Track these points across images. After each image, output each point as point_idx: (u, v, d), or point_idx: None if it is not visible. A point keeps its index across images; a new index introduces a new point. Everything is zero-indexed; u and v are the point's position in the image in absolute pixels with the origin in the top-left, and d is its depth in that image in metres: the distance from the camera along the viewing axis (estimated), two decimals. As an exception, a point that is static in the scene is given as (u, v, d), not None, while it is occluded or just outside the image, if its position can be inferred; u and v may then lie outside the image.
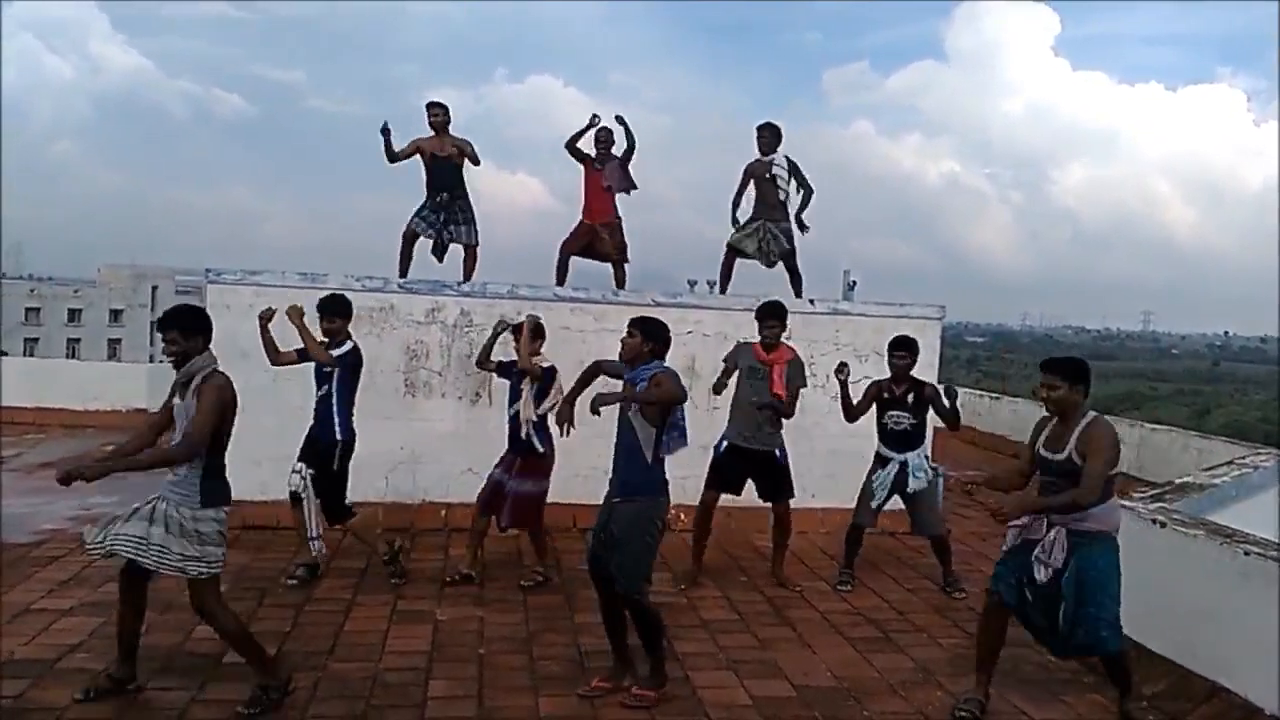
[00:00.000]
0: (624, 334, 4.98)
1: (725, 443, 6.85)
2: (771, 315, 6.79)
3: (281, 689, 4.66)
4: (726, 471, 6.83)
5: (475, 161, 8.71)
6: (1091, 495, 4.49)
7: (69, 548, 7.08)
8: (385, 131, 8.45)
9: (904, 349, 6.88)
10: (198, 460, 4.50)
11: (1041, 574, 4.62)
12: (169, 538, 4.46)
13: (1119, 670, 4.80)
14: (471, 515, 6.87)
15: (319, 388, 6.40)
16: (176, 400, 4.61)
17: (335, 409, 6.38)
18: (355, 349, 6.43)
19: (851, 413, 6.92)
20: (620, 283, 9.18)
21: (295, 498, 6.43)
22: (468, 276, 8.81)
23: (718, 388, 6.82)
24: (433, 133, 8.56)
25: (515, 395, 6.65)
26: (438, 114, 8.55)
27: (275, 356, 6.42)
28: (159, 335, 4.68)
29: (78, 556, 6.86)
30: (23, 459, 10.53)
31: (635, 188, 9.15)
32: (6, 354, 31.74)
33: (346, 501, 6.54)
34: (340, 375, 6.35)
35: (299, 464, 6.42)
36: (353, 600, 6.22)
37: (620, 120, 9.05)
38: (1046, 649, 4.92)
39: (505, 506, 6.62)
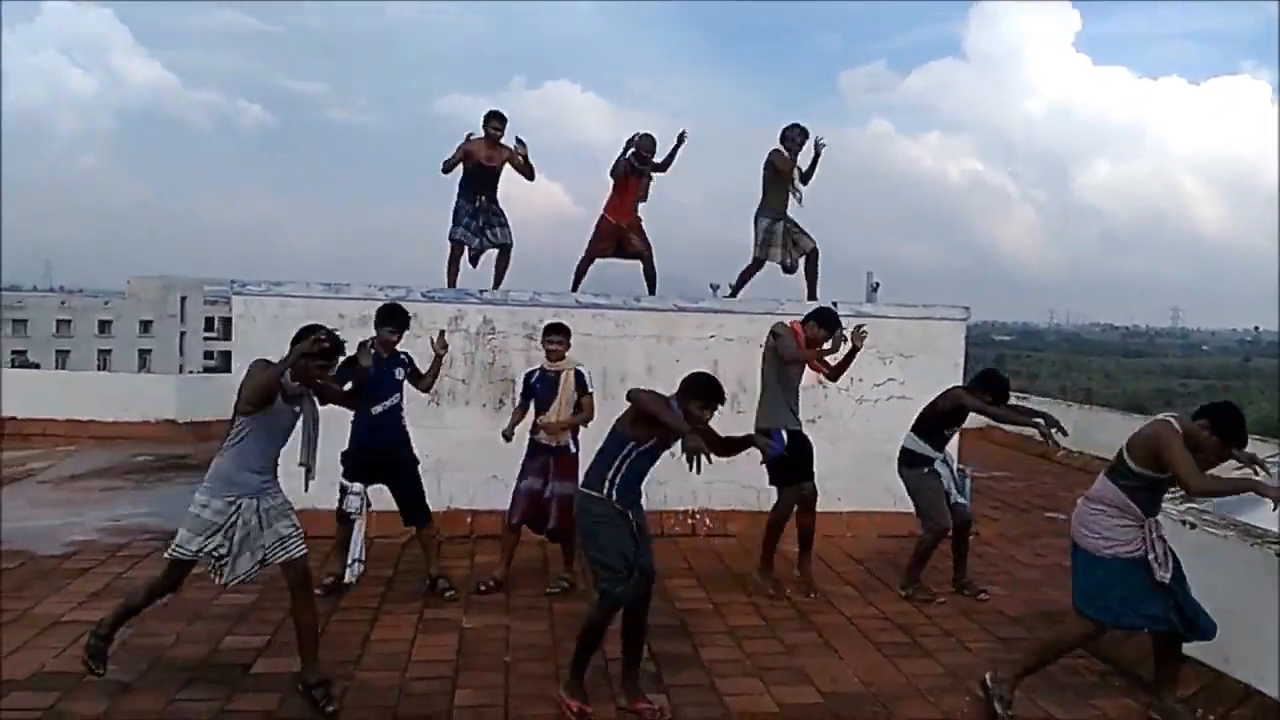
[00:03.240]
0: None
1: (781, 432, 6.59)
2: (836, 324, 6.73)
3: (327, 679, 4.79)
4: (792, 458, 6.66)
5: (529, 173, 8.91)
6: None
7: (99, 559, 7.15)
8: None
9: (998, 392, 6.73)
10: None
11: (1164, 574, 4.61)
12: (288, 524, 4.76)
13: (1179, 656, 4.82)
14: (503, 528, 6.82)
15: (386, 398, 6.36)
16: (287, 408, 4.84)
17: (403, 416, 6.53)
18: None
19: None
20: (651, 283, 9.21)
21: (346, 517, 6.40)
22: (500, 276, 8.93)
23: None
24: (486, 140, 8.76)
25: (546, 403, 6.61)
26: (498, 126, 8.77)
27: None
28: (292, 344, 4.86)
29: (108, 568, 6.93)
30: (54, 471, 10.64)
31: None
32: (39, 365, 32.16)
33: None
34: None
35: (357, 484, 6.35)
36: (379, 609, 6.24)
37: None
38: (1199, 635, 4.78)
39: (552, 511, 6.53)
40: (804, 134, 8.93)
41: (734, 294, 9.25)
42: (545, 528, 6.67)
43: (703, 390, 4.78)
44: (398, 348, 6.51)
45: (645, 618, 4.90)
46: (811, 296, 9.01)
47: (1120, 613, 4.68)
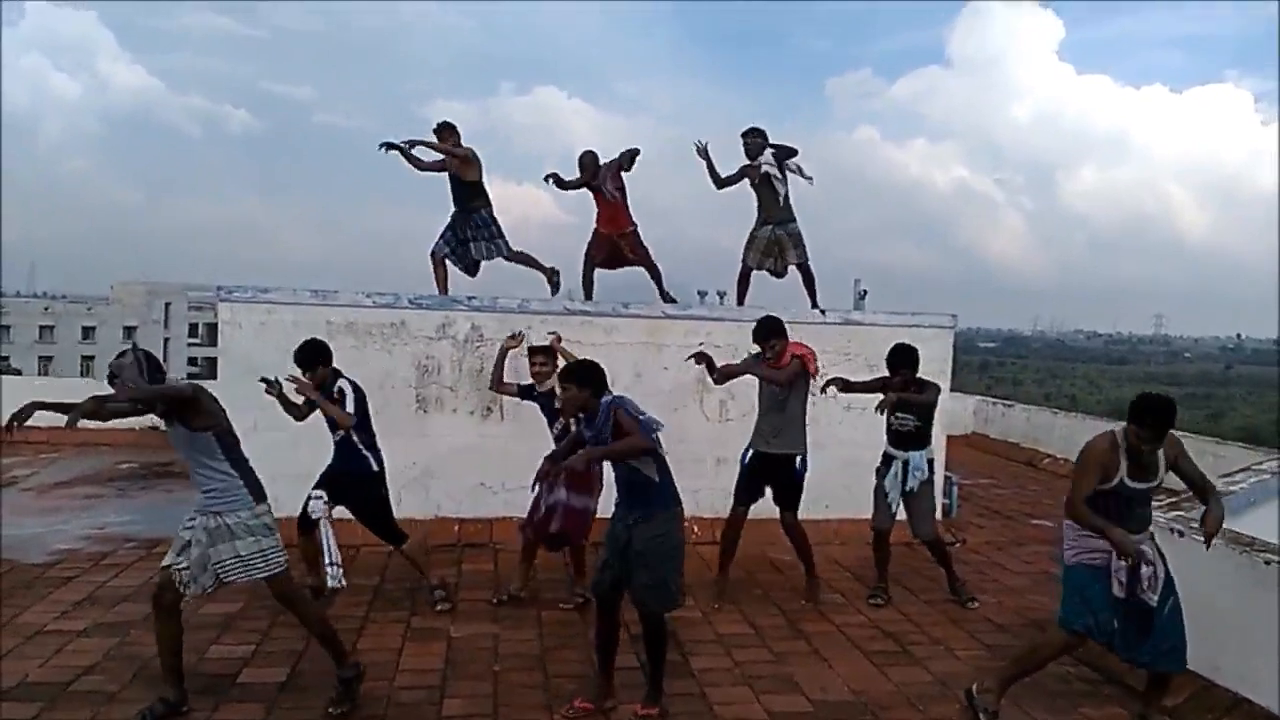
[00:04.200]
0: (558, 390, 4.87)
1: (750, 451, 6.78)
2: (772, 334, 6.59)
3: (358, 673, 4.85)
4: (750, 480, 6.75)
5: (466, 169, 8.61)
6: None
7: (83, 568, 7.09)
8: (390, 146, 8.50)
9: (904, 365, 6.78)
10: (229, 467, 4.64)
11: (1152, 596, 4.55)
12: (250, 541, 4.63)
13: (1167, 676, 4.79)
14: (522, 539, 6.72)
15: (336, 431, 6.25)
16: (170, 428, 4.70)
17: (362, 445, 6.27)
18: (354, 386, 6.24)
19: (851, 388, 6.87)
20: (658, 282, 9.18)
21: (308, 522, 6.30)
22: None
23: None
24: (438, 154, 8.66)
25: (555, 415, 6.48)
26: (446, 138, 8.60)
27: (297, 413, 6.31)
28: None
29: (91, 577, 6.88)
30: (37, 478, 10.55)
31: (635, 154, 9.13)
32: (21, 372, 31.94)
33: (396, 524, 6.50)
34: (360, 416, 6.23)
35: (319, 491, 6.28)
36: (366, 617, 6.20)
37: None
38: (1138, 661, 4.76)
39: (555, 517, 6.37)
40: (759, 134, 8.88)
41: (739, 302, 9.24)
42: (546, 534, 6.46)
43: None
44: (342, 377, 6.25)
45: (650, 629, 4.87)
46: (813, 307, 8.99)
47: (1075, 616, 4.69)
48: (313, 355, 6.15)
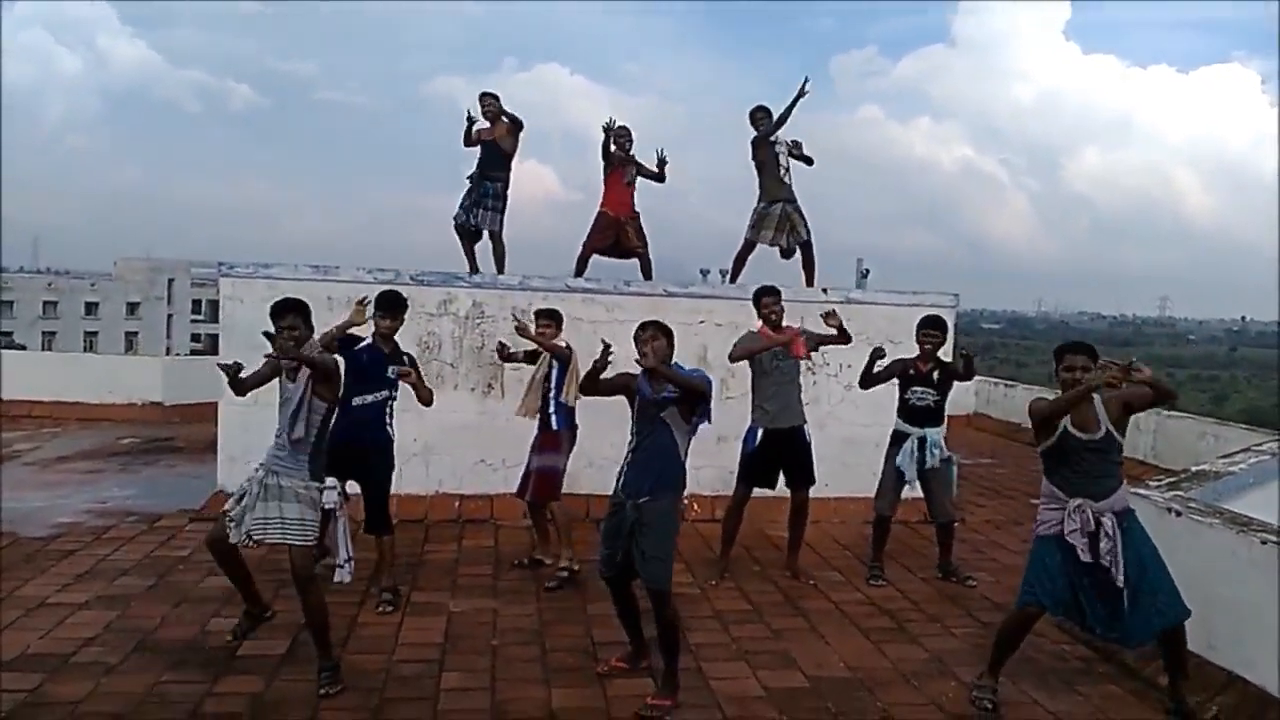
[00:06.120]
0: (646, 339, 4.81)
1: (759, 431, 6.71)
2: (769, 293, 6.81)
3: (335, 665, 4.86)
4: (761, 464, 6.73)
5: (509, 138, 8.93)
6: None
7: (84, 541, 7.12)
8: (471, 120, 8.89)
9: (936, 329, 6.87)
10: (311, 438, 4.82)
11: (1117, 571, 4.50)
12: (296, 507, 4.79)
13: (1179, 646, 4.69)
14: (518, 508, 7.01)
15: (374, 393, 5.98)
16: (288, 383, 4.81)
17: (389, 413, 6.11)
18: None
19: (869, 381, 6.82)
20: (647, 272, 9.22)
21: (327, 514, 6.27)
22: (498, 263, 8.94)
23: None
24: (487, 123, 8.88)
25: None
26: (488, 104, 8.87)
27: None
28: (275, 321, 4.75)
29: (92, 550, 6.91)
30: (39, 453, 10.59)
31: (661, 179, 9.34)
32: (25, 347, 32.04)
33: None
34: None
35: (331, 479, 6.19)
36: (367, 592, 6.21)
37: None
38: (1116, 640, 4.78)
39: (529, 484, 6.68)
40: (766, 113, 9.01)
41: (733, 279, 9.24)
42: (526, 500, 6.81)
43: None
44: (402, 348, 6.20)
45: (661, 615, 4.80)
46: (809, 284, 9.01)
47: (1029, 588, 4.71)
48: (383, 303, 6.11)
